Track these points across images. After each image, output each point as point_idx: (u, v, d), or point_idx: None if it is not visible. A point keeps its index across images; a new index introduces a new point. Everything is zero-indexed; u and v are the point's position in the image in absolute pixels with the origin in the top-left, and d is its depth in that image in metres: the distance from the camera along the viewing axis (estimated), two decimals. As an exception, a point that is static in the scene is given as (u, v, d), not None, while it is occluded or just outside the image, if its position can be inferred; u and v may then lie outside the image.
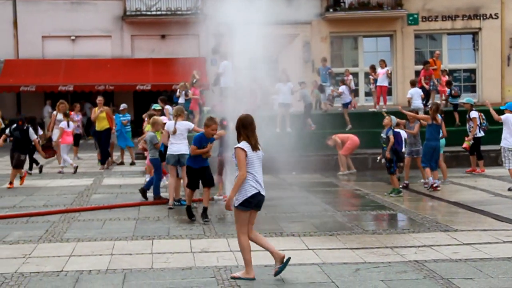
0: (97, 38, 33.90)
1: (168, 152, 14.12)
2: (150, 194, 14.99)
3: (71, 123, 21.17)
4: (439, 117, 16.19)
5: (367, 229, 11.71)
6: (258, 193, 8.49)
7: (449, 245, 10.24)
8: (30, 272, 8.85)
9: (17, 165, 17.33)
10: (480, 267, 8.86)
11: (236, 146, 8.36)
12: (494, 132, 21.40)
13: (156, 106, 19.07)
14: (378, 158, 16.42)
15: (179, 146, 14.09)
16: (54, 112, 22.09)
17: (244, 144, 8.27)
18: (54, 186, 17.70)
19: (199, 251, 9.98)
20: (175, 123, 14.13)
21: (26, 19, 33.45)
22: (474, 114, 18.69)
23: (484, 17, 35.16)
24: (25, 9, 33.52)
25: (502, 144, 16.12)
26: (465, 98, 21.00)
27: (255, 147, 8.32)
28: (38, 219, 12.88)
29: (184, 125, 14.25)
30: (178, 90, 23.54)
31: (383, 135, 15.65)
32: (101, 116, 21.39)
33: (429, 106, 18.45)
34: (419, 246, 10.15)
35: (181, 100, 22.98)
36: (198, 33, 32.09)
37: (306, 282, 8.25)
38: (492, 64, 35.10)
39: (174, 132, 13.99)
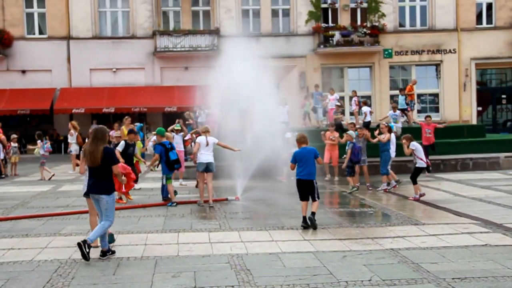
0: (133, 69, 34.00)
1: (198, 161, 14.30)
2: (180, 195, 15.16)
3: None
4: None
5: (352, 223, 11.71)
6: None
7: (418, 236, 10.25)
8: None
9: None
10: (443, 254, 8.88)
11: None
12: (454, 145, 21.69)
13: (177, 126, 18.82)
14: (343, 166, 16.75)
15: (208, 156, 14.26)
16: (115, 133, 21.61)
17: None
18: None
19: (216, 242, 10.01)
20: (206, 138, 14.31)
21: (77, 55, 33.60)
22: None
23: (445, 52, 35.29)
24: (76, 47, 33.67)
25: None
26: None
27: None
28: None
29: (212, 139, 14.40)
30: (197, 111, 23.49)
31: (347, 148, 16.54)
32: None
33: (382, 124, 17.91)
34: (394, 237, 10.18)
35: (200, 119, 23.00)
36: (214, 65, 32.22)
37: (303, 266, 8.27)
38: (451, 90, 35.20)
39: (207, 144, 14.20)
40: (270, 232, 10.76)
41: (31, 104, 31.82)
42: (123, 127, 21.27)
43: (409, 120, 26.36)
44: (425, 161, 15.27)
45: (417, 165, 15.02)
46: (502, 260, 8.45)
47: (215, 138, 14.73)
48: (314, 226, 10.96)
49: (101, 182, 9.00)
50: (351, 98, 29.06)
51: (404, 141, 15.32)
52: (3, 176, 21.94)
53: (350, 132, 16.88)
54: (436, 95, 35.70)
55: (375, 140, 16.95)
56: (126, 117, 21.56)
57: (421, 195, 14.71)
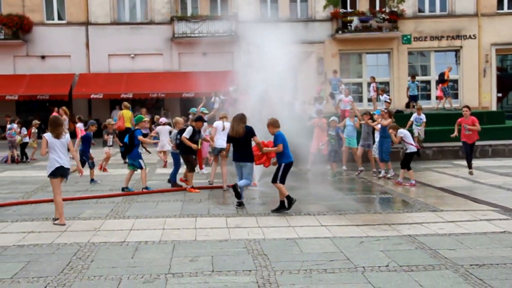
0: (151, 55, 34.07)
1: (214, 145, 14.41)
2: (198, 181, 15.07)
3: None
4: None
5: (370, 209, 11.70)
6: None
7: (436, 222, 10.22)
8: (99, 242, 8.98)
9: (194, 166, 14.55)
10: (461, 240, 8.84)
11: None
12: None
13: (204, 110, 18.86)
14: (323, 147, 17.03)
15: (222, 142, 14.35)
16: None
17: None
18: (117, 174, 17.82)
19: (233, 227, 10.04)
20: (223, 123, 14.39)
21: (96, 41, 33.72)
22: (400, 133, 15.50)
23: (465, 38, 34.94)
24: (95, 33, 33.78)
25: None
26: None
27: None
28: (105, 200, 13.04)
29: (229, 125, 14.44)
30: (212, 97, 23.40)
31: (331, 132, 16.59)
32: (127, 117, 21.48)
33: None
34: (411, 223, 10.15)
35: (216, 105, 22.93)
36: (232, 50, 32.24)
37: (320, 252, 8.27)
38: (471, 76, 34.89)
39: (223, 129, 14.41)
40: (287, 218, 10.77)
41: (50, 89, 31.99)
42: (122, 111, 21.35)
43: (450, 104, 27.76)
44: (415, 145, 15.39)
45: (407, 151, 15.13)
46: (521, 247, 8.42)
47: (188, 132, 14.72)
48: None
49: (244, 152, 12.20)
50: (369, 84, 28.90)
51: (391, 130, 15.43)
52: (28, 160, 22.18)
53: (334, 118, 16.97)
54: (455, 81, 35.30)
55: (374, 124, 16.79)
56: (125, 102, 21.81)
57: (411, 184, 14.75)
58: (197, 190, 13.96)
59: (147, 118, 16.40)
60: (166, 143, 17.67)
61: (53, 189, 10.54)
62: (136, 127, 15.04)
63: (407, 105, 27.37)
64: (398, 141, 15.19)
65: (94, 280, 7.12)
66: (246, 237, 9.20)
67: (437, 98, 29.39)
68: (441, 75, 28.16)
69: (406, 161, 15.06)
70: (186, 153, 14.08)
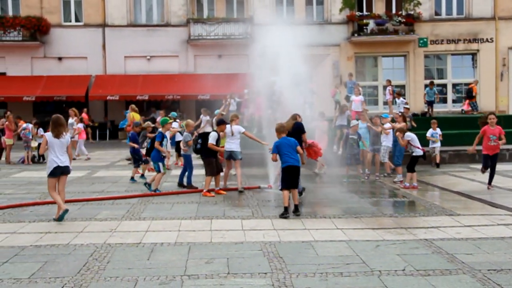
0: (167, 57, 34.22)
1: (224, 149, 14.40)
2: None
3: None
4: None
5: (385, 212, 11.63)
6: None
7: (453, 226, 10.14)
8: (115, 243, 9.00)
9: (213, 171, 14.15)
10: (479, 245, 8.77)
11: None
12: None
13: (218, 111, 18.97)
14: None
15: (231, 145, 14.34)
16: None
17: None
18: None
19: (248, 229, 10.01)
20: (231, 127, 14.36)
21: (112, 42, 33.95)
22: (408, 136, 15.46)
23: (482, 41, 34.81)
24: (111, 35, 34.02)
25: None
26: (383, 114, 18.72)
27: None
28: (121, 202, 13.07)
29: (237, 128, 14.45)
30: (227, 100, 23.39)
31: (353, 136, 16.63)
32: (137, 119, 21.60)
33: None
34: (428, 227, 10.08)
35: (232, 108, 22.93)
36: (248, 53, 32.27)
37: (336, 255, 8.23)
38: (488, 79, 34.70)
39: (232, 133, 14.28)
40: (303, 220, 10.73)
41: (67, 90, 32.26)
42: (132, 113, 21.43)
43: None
44: (421, 148, 15.29)
45: (414, 154, 15.11)
46: (539, 252, 8.34)
47: (241, 128, 14.75)
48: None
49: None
50: (385, 87, 28.82)
51: (398, 133, 15.46)
52: (44, 161, 22.31)
53: (356, 122, 16.94)
54: (472, 85, 35.14)
55: (379, 129, 16.70)
56: (132, 105, 22.02)
57: (414, 187, 14.72)
58: (212, 194, 13.84)
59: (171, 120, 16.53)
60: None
61: (48, 187, 10.88)
62: (162, 129, 14.98)
63: (424, 114, 27.21)
64: (405, 144, 15.13)
65: (110, 281, 7.14)
66: (261, 240, 9.17)
67: (464, 112, 28.78)
68: (469, 91, 28.28)
69: (412, 164, 15.04)
70: (208, 157, 14.03)
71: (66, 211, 10.73)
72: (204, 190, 13.88)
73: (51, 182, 10.81)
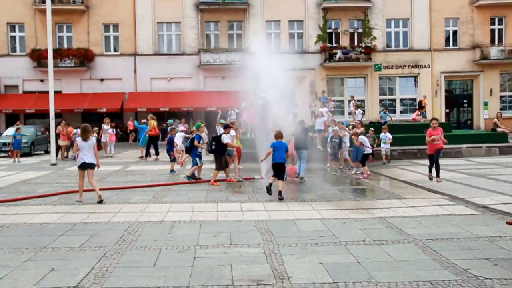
0: (183, 78, 34.07)
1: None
2: (222, 175, 14.61)
3: None
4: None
5: (350, 197, 11.65)
6: None
7: (400, 207, 10.17)
8: (144, 221, 8.99)
9: (222, 166, 14.05)
10: (420, 221, 8.81)
11: None
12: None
13: (222, 120, 18.57)
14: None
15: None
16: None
17: None
18: (156, 169, 17.84)
19: (246, 210, 10.01)
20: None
21: (141, 67, 33.79)
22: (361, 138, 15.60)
23: (421, 67, 34.85)
24: (141, 61, 33.86)
25: None
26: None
27: None
28: (148, 189, 13.04)
29: (231, 133, 14.51)
30: (229, 111, 23.29)
31: (336, 140, 16.28)
32: (155, 125, 21.66)
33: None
34: (382, 208, 10.10)
35: (233, 117, 22.79)
36: (245, 75, 32.11)
37: (313, 230, 8.24)
38: (426, 95, 34.71)
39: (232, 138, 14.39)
40: (288, 203, 10.74)
41: (106, 104, 32.12)
42: (152, 121, 21.30)
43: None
44: (371, 147, 15.53)
45: (365, 152, 15.21)
46: (464, 225, 8.35)
47: (233, 132, 14.64)
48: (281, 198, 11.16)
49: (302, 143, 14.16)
50: (349, 101, 28.84)
51: (353, 136, 15.61)
52: None
53: (335, 128, 16.91)
54: (414, 100, 35.21)
55: (351, 132, 16.84)
56: (150, 115, 21.99)
57: (368, 175, 14.85)
58: (218, 184, 13.72)
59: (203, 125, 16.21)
60: (181, 144, 18.15)
61: (79, 176, 11.24)
62: (196, 132, 14.86)
63: (379, 122, 27.02)
64: (359, 144, 15.23)
65: (140, 250, 7.13)
66: (256, 219, 9.17)
67: (413, 119, 28.63)
68: (420, 103, 28.67)
69: (364, 159, 15.20)
70: (220, 155, 13.93)
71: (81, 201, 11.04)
72: (212, 181, 13.83)
73: (80, 172, 11.16)
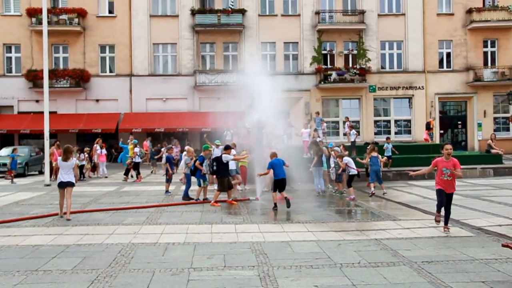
0: (178, 99, 34.15)
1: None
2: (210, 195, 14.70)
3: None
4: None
5: (345, 219, 11.61)
6: None
7: (395, 229, 10.14)
8: (138, 243, 8.92)
9: (224, 187, 13.84)
10: (415, 243, 8.77)
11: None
12: (422, 159, 21.30)
13: (218, 142, 18.03)
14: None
15: (233, 165, 15.21)
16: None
17: None
18: (151, 190, 17.77)
19: (240, 232, 9.95)
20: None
21: (137, 88, 33.86)
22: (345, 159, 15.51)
23: (415, 88, 35.09)
24: (136, 82, 33.94)
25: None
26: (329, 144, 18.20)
27: None
28: (142, 211, 12.95)
29: (232, 152, 14.54)
30: (225, 131, 23.33)
31: (336, 160, 16.00)
32: (131, 148, 21.96)
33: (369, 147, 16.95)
34: (377, 230, 10.06)
35: (228, 138, 22.80)
36: (240, 96, 32.24)
37: (307, 251, 8.20)
38: (420, 116, 34.89)
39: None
40: (282, 225, 10.69)
41: (102, 124, 32.11)
42: (131, 146, 21.63)
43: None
44: (356, 169, 15.27)
45: (350, 173, 15.14)
46: (459, 248, 8.33)
47: (231, 155, 14.44)
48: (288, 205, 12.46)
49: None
50: (344, 122, 28.94)
51: (338, 159, 15.67)
52: (84, 179, 22.18)
53: (336, 148, 16.77)
54: (408, 121, 35.44)
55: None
56: (131, 136, 22.79)
57: (352, 199, 14.50)
58: (219, 204, 13.60)
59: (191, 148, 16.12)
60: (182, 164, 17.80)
61: (59, 195, 11.66)
62: (202, 153, 14.67)
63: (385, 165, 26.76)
64: (344, 166, 15.20)
65: (134, 272, 7.06)
66: (250, 240, 9.12)
67: (424, 140, 29.50)
68: (428, 124, 29.35)
69: (349, 181, 15.12)
70: (223, 176, 13.80)
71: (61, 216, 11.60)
72: (212, 201, 13.71)
73: (60, 191, 11.56)
